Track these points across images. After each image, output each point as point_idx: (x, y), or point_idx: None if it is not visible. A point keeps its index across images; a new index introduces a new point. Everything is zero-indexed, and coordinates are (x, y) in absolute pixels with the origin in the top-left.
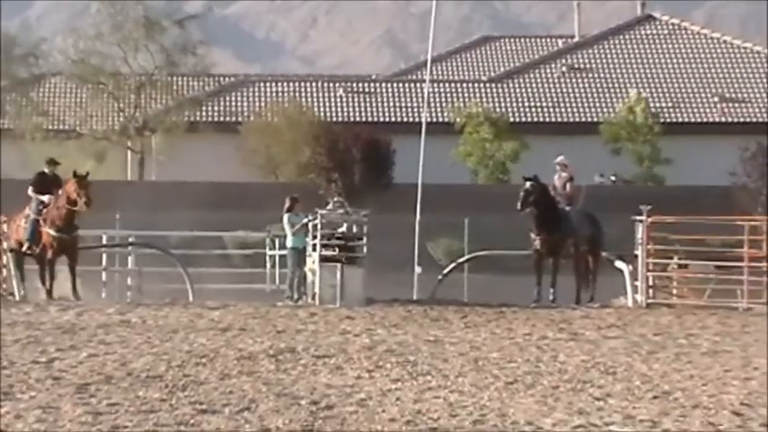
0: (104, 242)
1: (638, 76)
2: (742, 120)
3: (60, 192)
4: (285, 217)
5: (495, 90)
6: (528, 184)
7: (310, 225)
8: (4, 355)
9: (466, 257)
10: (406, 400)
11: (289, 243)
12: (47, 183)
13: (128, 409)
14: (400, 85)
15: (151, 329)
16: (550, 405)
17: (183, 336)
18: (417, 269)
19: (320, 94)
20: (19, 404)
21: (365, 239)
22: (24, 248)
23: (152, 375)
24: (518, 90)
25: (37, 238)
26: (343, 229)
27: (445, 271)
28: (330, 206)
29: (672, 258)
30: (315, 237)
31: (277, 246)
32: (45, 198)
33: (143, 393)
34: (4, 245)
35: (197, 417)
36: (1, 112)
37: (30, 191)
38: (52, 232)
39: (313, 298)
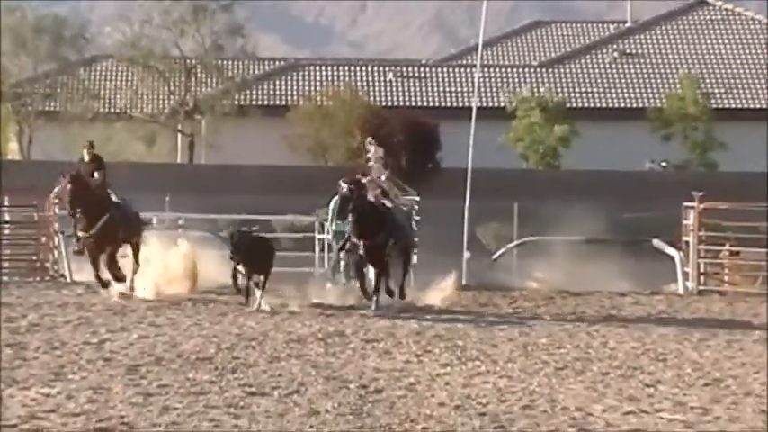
0: (154, 225)
1: (690, 61)
2: None
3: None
4: (332, 201)
5: (545, 75)
6: (345, 187)
7: None
8: (56, 335)
9: (515, 242)
10: (455, 384)
11: (332, 227)
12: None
13: (177, 391)
14: (450, 69)
15: (201, 312)
16: (600, 391)
17: (233, 318)
18: (466, 254)
19: (370, 79)
20: (70, 384)
21: (415, 224)
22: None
23: (202, 357)
24: (569, 75)
25: None
26: None
27: (494, 256)
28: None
29: (724, 245)
30: None
31: (326, 230)
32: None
33: (193, 375)
34: (56, 226)
35: (246, 399)
36: (52, 96)
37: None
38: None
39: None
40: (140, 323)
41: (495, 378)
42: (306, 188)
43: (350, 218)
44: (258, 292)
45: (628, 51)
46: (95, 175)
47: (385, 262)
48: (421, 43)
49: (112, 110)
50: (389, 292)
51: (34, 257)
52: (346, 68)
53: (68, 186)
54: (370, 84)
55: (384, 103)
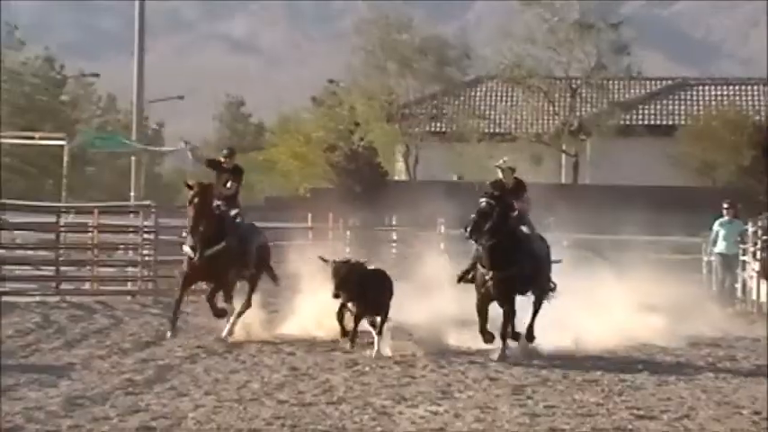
0: None
1: None
2: None
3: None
4: (716, 222)
5: None
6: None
7: (750, 231)
8: (442, 355)
9: None
10: None
11: (716, 248)
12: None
13: (564, 412)
14: None
15: None
16: None
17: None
18: None
19: (761, 98)
20: (458, 403)
21: None
22: None
23: (588, 379)
24: None
25: None
26: None
27: None
28: None
29: None
30: (755, 244)
31: (708, 251)
32: None
33: (579, 397)
34: None
35: (635, 422)
36: (437, 116)
37: None
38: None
39: (752, 306)
40: None
41: None
42: (692, 208)
43: (484, 240)
44: (375, 338)
45: None
46: (228, 184)
47: (514, 299)
48: None
49: (497, 130)
50: (515, 336)
51: None
52: (736, 87)
53: (195, 200)
54: (762, 103)
55: None
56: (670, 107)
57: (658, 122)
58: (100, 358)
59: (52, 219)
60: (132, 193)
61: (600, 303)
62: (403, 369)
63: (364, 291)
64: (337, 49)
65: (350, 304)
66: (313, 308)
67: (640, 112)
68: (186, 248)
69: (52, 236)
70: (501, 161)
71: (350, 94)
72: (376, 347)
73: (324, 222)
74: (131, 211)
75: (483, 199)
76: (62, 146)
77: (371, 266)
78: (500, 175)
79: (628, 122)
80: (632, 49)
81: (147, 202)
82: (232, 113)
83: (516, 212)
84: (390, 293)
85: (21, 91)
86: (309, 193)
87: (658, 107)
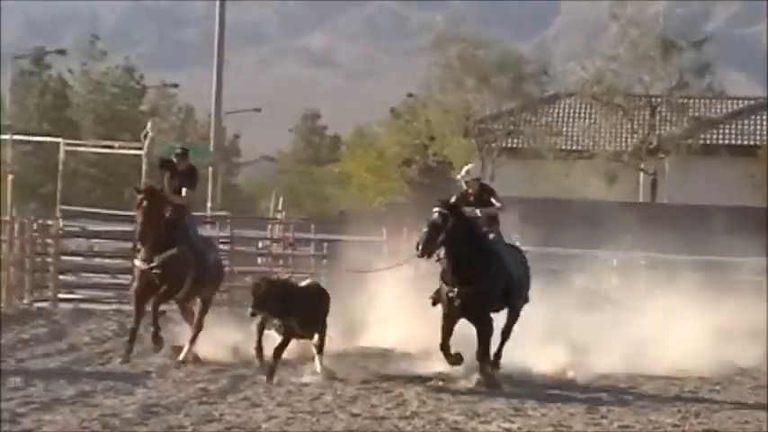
0: (615, 264)
1: None
2: None
3: None
4: None
5: None
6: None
7: None
8: (518, 369)
9: None
10: None
11: None
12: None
13: None
14: None
15: None
16: None
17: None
18: None
19: None
20: (531, 420)
21: None
22: None
23: (664, 400)
24: None
25: None
26: None
27: None
28: None
29: None
30: None
31: None
32: None
33: (655, 417)
34: None
35: None
36: (514, 132)
37: None
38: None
39: None
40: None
41: None
42: None
43: (442, 254)
44: (316, 359)
45: None
46: (183, 191)
47: (488, 317)
48: None
49: (574, 147)
50: (497, 358)
51: None
52: None
53: (143, 203)
54: None
55: None
56: (751, 127)
57: (739, 142)
58: (175, 367)
59: (130, 228)
60: (209, 204)
61: (676, 323)
62: (477, 384)
63: (290, 310)
64: (414, 64)
65: (275, 325)
66: (392, 320)
67: (721, 131)
68: (137, 262)
69: (130, 245)
70: (464, 171)
71: (426, 107)
72: (318, 367)
73: (398, 236)
74: (208, 222)
75: (436, 209)
76: (141, 155)
77: (305, 282)
78: (464, 187)
79: (708, 142)
80: (714, 68)
81: (224, 213)
82: (308, 126)
83: (480, 217)
84: (325, 310)
85: (101, 100)
86: (384, 207)
87: (740, 127)
